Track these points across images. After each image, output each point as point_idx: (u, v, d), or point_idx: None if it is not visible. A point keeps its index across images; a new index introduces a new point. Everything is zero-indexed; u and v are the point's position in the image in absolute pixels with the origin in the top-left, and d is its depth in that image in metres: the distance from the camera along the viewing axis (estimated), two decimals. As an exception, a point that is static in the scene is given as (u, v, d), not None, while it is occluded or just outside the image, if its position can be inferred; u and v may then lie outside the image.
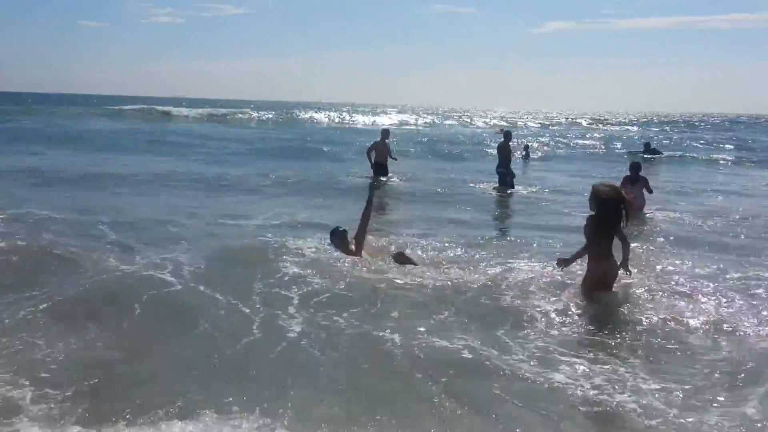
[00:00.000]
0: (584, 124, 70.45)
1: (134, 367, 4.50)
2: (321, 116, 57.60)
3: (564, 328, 5.39)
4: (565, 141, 37.92)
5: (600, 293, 6.00)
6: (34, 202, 10.47)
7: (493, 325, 5.36)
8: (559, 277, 6.53)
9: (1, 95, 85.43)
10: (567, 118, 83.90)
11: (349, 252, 7.28)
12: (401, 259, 7.19)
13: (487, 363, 4.62)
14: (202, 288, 6.16)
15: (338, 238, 7.47)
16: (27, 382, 4.13)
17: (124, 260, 6.97)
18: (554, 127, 59.92)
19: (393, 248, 7.64)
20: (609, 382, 4.31)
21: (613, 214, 5.92)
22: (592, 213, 6.06)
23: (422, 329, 5.21)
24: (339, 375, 4.42)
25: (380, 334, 5.08)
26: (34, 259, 6.86)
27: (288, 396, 4.06)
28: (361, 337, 5.06)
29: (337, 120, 55.91)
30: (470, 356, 4.73)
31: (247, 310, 5.60)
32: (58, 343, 4.80)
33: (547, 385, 4.27)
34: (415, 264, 7.11)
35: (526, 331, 5.25)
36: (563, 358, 4.70)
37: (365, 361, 4.63)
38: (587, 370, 4.51)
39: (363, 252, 7.32)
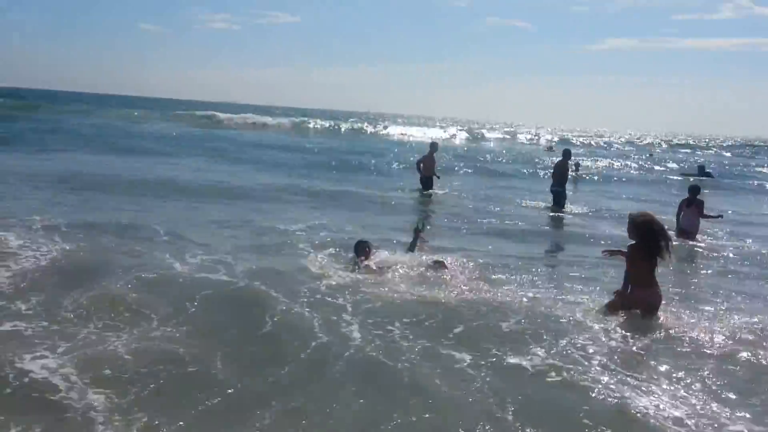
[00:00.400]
0: (652, 143, 68.86)
1: (204, 366, 4.45)
2: (393, 128, 57.04)
3: (629, 350, 5.21)
4: (623, 162, 36.93)
5: (651, 316, 5.94)
6: (90, 208, 10.49)
7: (556, 345, 5.15)
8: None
9: (60, 94, 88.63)
10: (621, 138, 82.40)
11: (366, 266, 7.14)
12: (439, 266, 7.14)
13: (562, 384, 4.45)
14: (256, 284, 6.24)
15: (360, 250, 7.38)
16: (90, 380, 4.11)
17: (179, 260, 7.04)
18: (614, 147, 58.80)
19: (432, 259, 7.45)
20: (692, 417, 4.05)
21: (652, 242, 5.89)
22: (633, 242, 6.08)
23: (488, 345, 5.08)
24: (417, 389, 4.28)
25: (444, 351, 4.95)
26: (96, 260, 6.89)
27: (372, 411, 3.98)
28: (424, 350, 4.94)
29: (389, 132, 55.01)
30: (545, 377, 4.57)
31: (305, 313, 5.57)
32: (124, 336, 4.83)
33: (626, 414, 4.05)
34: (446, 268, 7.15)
35: (590, 352, 5.04)
36: (639, 384, 4.48)
37: (435, 375, 4.49)
38: (667, 399, 4.28)
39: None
